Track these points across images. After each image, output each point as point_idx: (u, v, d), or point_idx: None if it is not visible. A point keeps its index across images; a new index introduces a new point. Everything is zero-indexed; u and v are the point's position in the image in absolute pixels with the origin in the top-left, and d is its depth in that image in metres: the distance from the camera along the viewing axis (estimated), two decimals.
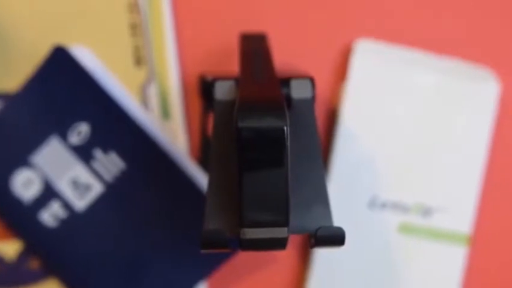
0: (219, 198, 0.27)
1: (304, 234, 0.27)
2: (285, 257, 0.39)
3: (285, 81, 0.30)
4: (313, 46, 0.39)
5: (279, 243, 0.26)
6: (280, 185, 0.25)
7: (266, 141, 0.25)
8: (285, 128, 0.25)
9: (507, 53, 0.39)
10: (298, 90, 0.29)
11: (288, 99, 0.29)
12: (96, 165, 0.36)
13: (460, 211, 0.37)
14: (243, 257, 0.39)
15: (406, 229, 0.37)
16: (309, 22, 0.39)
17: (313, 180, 0.28)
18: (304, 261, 0.39)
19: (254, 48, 0.31)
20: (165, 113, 0.38)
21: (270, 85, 0.27)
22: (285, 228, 0.25)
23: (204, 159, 0.38)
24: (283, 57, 0.39)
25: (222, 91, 0.29)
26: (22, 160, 0.36)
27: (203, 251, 0.26)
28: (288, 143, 0.25)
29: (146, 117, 0.38)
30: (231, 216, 0.27)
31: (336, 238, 0.26)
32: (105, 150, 0.36)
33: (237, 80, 0.29)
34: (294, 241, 0.39)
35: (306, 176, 0.28)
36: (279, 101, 0.25)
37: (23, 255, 0.38)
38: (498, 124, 0.39)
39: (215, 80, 0.30)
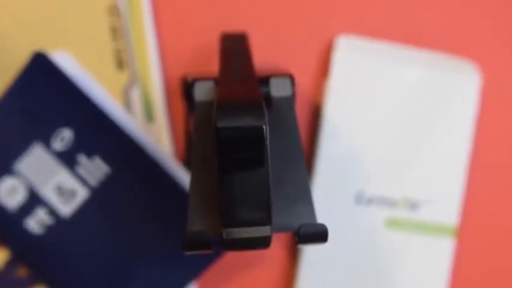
0: (201, 199, 0.27)
1: (287, 232, 0.27)
2: (275, 256, 0.39)
3: (265, 80, 0.30)
4: (295, 44, 0.39)
5: (263, 242, 0.26)
6: (262, 184, 0.25)
7: (245, 141, 0.25)
8: (264, 127, 0.25)
9: (488, 45, 0.39)
10: (277, 89, 0.29)
11: (268, 97, 0.29)
12: (80, 170, 0.36)
13: (446, 203, 0.37)
14: (233, 257, 0.39)
15: (393, 223, 0.37)
16: (290, 20, 0.39)
17: (295, 177, 0.28)
18: (293, 258, 0.39)
19: (233, 48, 0.31)
20: (149, 115, 0.38)
21: (248, 84, 0.27)
22: (268, 227, 0.25)
23: (189, 161, 0.38)
24: (266, 56, 0.39)
25: (202, 92, 0.29)
26: (6, 168, 0.36)
27: (186, 253, 0.26)
28: (268, 142, 0.25)
29: (130, 121, 0.37)
30: (213, 216, 0.27)
31: (319, 235, 0.26)
32: (89, 155, 0.36)
33: (217, 81, 0.29)
34: (283, 239, 0.39)
35: (288, 174, 0.28)
36: (257, 100, 0.25)
37: (10, 264, 0.38)
38: (481, 115, 0.39)
39: (195, 81, 0.30)
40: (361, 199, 0.37)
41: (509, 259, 0.39)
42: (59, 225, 0.36)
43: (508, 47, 0.39)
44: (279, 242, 0.39)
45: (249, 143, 0.25)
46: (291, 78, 0.30)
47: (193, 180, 0.27)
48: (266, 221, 0.25)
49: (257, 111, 0.25)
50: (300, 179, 0.28)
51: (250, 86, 0.27)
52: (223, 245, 0.26)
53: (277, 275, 0.39)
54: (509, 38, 0.39)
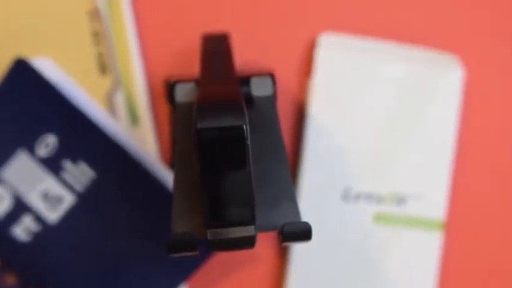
0: (185, 201, 0.27)
1: (272, 231, 0.27)
2: (264, 255, 0.39)
3: (246, 80, 0.30)
4: (278, 43, 0.39)
5: (247, 242, 0.26)
6: (244, 184, 0.25)
7: (226, 141, 0.25)
8: (244, 127, 0.25)
9: (470, 38, 0.39)
10: (258, 88, 0.29)
11: (250, 97, 0.29)
12: (66, 176, 0.36)
13: (433, 198, 0.37)
14: (223, 258, 0.39)
15: (381, 219, 0.38)
16: (272, 19, 0.39)
17: (278, 176, 0.28)
18: (283, 257, 0.39)
19: (214, 48, 0.31)
20: (133, 119, 0.38)
21: (228, 84, 0.27)
22: (252, 227, 0.25)
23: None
24: (249, 56, 0.39)
25: (183, 93, 0.29)
26: None
27: (172, 255, 0.26)
28: (249, 141, 0.25)
29: (114, 125, 0.37)
30: (198, 217, 0.27)
31: (302, 233, 0.26)
32: (74, 160, 0.36)
33: (198, 82, 0.29)
34: (272, 238, 0.39)
35: (271, 173, 0.28)
36: (237, 99, 0.25)
37: None
38: (465, 109, 0.39)
39: (176, 82, 0.30)
40: (348, 196, 0.37)
41: (497, 251, 0.39)
42: (46, 231, 0.36)
43: (490, 39, 0.39)
44: (268, 241, 0.39)
45: (230, 143, 0.25)
46: (272, 77, 0.30)
47: (177, 182, 0.27)
48: (250, 220, 0.25)
49: (237, 111, 0.25)
50: (283, 177, 0.28)
51: (231, 86, 0.27)
52: (209, 246, 0.26)
53: (268, 274, 0.39)
54: (491, 30, 0.39)
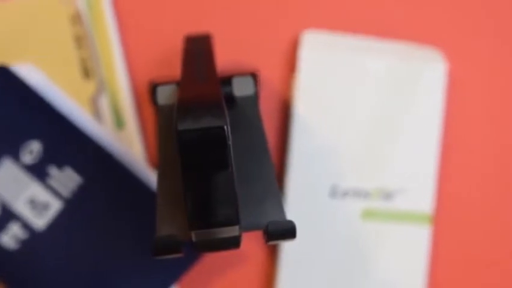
0: (169, 203, 0.27)
1: (257, 230, 0.27)
2: (254, 254, 0.39)
3: (228, 80, 0.30)
4: (261, 42, 0.39)
5: (232, 243, 0.26)
6: (227, 184, 0.25)
7: (208, 142, 0.25)
8: (225, 127, 0.24)
9: (453, 32, 0.39)
10: (240, 88, 0.29)
11: (232, 97, 0.29)
12: (52, 182, 0.36)
13: (420, 192, 0.38)
14: (212, 258, 0.39)
15: (369, 214, 0.37)
16: (254, 18, 0.39)
17: (262, 175, 0.28)
18: (273, 255, 0.39)
19: (195, 49, 0.31)
20: (119, 122, 0.38)
21: (208, 85, 0.27)
22: (236, 227, 0.25)
23: None
24: (232, 56, 0.39)
25: (164, 95, 0.29)
26: None
27: (157, 258, 0.26)
28: (230, 142, 0.25)
29: (99, 129, 0.37)
30: (182, 219, 0.27)
31: (287, 231, 0.26)
32: (60, 166, 0.36)
33: (179, 84, 0.29)
34: (261, 237, 0.39)
35: (255, 172, 0.28)
36: (217, 100, 0.25)
37: None
38: (449, 103, 0.39)
39: (157, 84, 0.30)
40: (336, 192, 0.37)
41: (485, 242, 0.39)
42: (34, 238, 0.36)
43: (472, 32, 0.39)
44: (257, 240, 0.39)
45: (211, 144, 0.25)
46: (254, 77, 0.30)
47: (160, 185, 0.27)
48: (234, 221, 0.25)
49: (217, 112, 0.25)
50: (267, 176, 0.27)
51: (211, 86, 0.27)
52: (194, 247, 0.26)
53: (258, 273, 0.39)
54: (473, 23, 0.39)
